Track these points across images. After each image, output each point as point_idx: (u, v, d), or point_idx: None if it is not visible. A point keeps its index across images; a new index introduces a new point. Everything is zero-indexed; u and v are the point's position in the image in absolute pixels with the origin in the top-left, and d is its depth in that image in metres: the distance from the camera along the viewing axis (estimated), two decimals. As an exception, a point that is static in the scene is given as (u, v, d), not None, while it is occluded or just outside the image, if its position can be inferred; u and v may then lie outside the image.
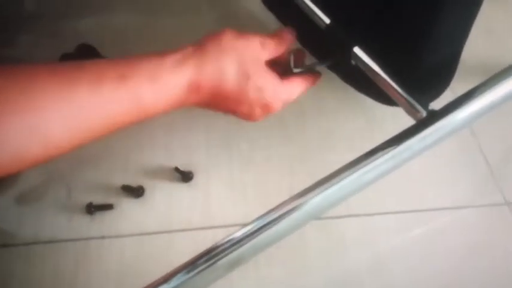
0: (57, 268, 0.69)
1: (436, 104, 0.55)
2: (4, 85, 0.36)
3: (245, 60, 0.49)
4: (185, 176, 0.78)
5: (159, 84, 0.44)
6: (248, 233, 0.47)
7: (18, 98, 0.36)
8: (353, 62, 0.58)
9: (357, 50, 0.57)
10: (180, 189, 0.78)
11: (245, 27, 0.98)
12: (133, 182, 0.77)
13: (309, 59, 0.59)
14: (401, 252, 0.73)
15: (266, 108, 0.52)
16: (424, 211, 0.77)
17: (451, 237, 0.75)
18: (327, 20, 0.60)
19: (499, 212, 0.78)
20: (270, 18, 0.87)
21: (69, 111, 0.38)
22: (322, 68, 0.59)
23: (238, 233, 0.47)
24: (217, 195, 0.78)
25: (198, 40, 0.49)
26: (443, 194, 0.79)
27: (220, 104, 0.50)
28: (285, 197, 0.49)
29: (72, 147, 0.40)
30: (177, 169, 0.78)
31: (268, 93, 0.51)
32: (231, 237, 0.47)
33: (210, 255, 0.46)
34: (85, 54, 0.91)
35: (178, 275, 0.46)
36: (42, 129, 0.37)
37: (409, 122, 0.55)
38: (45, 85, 0.38)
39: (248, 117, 0.52)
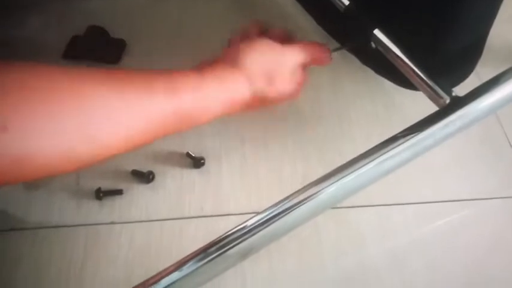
0: (65, 253, 0.69)
1: (461, 90, 0.53)
2: (54, 86, 0.36)
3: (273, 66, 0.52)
4: (196, 162, 0.76)
5: (203, 98, 0.46)
6: (261, 221, 0.46)
7: (69, 99, 0.36)
8: (373, 45, 0.56)
9: (377, 32, 0.55)
10: (192, 175, 0.76)
11: (261, 9, 0.97)
12: (143, 167, 0.76)
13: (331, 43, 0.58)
14: (421, 245, 0.71)
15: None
16: (446, 202, 0.75)
17: (474, 230, 0.73)
18: (346, 1, 0.59)
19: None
20: (287, 1, 0.85)
21: (118, 115, 0.39)
22: (340, 51, 0.58)
23: (251, 221, 0.46)
24: (229, 182, 0.76)
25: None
26: (466, 185, 0.77)
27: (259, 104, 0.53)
28: (299, 186, 0.48)
29: (118, 151, 0.41)
30: (188, 154, 0.77)
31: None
32: (243, 225, 0.46)
33: (221, 244, 0.45)
34: (95, 36, 0.91)
35: (190, 263, 0.44)
36: (91, 129, 0.37)
37: (430, 108, 0.53)
38: (96, 88, 0.39)
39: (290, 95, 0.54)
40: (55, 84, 0.36)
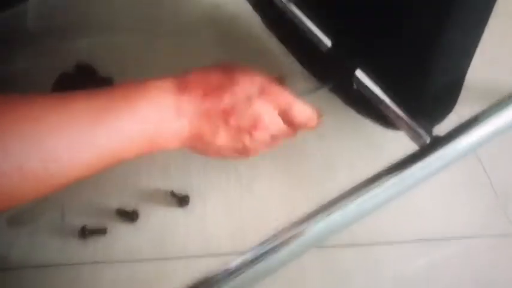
0: (48, 294, 0.68)
1: (441, 129, 0.54)
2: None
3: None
4: (181, 201, 0.76)
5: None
6: (244, 262, 0.45)
7: (20, 122, 0.36)
8: (355, 85, 0.57)
9: (358, 73, 0.56)
10: (176, 215, 0.76)
11: (244, 48, 0.99)
12: (128, 205, 0.75)
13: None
14: (404, 285, 0.71)
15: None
16: (428, 240, 0.75)
17: (457, 269, 0.72)
18: (328, 43, 0.60)
19: (509, 243, 0.75)
20: (271, 39, 0.86)
21: (72, 134, 0.38)
22: (322, 90, 0.59)
23: (234, 263, 0.45)
24: (213, 222, 0.76)
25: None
26: (448, 223, 0.77)
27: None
28: (284, 223, 0.48)
29: (78, 172, 0.40)
30: (172, 193, 0.77)
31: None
32: (226, 267, 0.45)
33: (203, 286, 0.44)
34: (83, 73, 0.92)
35: (170, 306, 0.44)
36: (43, 144, 0.37)
37: (412, 146, 0.54)
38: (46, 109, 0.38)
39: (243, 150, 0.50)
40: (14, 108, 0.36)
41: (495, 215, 0.79)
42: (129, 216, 0.74)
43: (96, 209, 0.76)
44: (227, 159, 0.51)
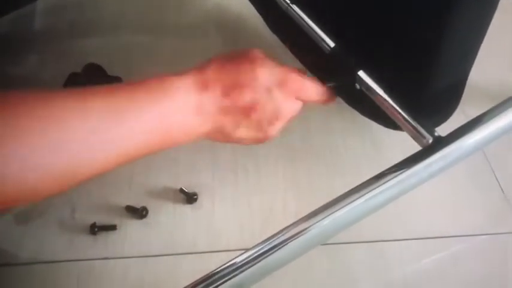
0: (58, 289, 0.69)
1: (448, 128, 0.55)
2: (21, 109, 0.36)
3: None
4: (189, 198, 0.77)
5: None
6: (251, 257, 0.46)
7: (42, 121, 0.36)
8: (357, 86, 0.58)
9: (361, 73, 0.57)
10: (185, 211, 0.77)
11: (251, 46, 0.99)
12: (137, 202, 0.77)
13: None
14: (410, 282, 0.71)
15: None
16: (434, 238, 0.76)
17: (463, 267, 0.73)
18: (331, 44, 0.60)
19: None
20: (274, 40, 0.87)
21: (94, 132, 0.39)
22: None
23: (240, 258, 0.46)
24: (222, 218, 0.77)
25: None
26: (454, 221, 0.78)
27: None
28: (291, 221, 0.48)
29: (99, 169, 0.40)
30: (181, 190, 0.78)
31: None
32: (232, 262, 0.46)
33: (210, 281, 0.45)
34: (92, 73, 0.92)
35: (179, 300, 0.44)
36: (65, 145, 0.37)
37: (417, 145, 0.55)
38: (63, 105, 0.38)
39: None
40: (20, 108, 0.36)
41: (502, 212, 0.79)
42: (138, 213, 0.75)
43: (106, 205, 0.77)
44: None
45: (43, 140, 0.36)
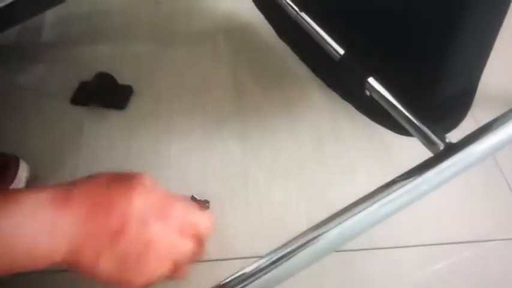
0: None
1: (457, 134, 0.55)
2: None
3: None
4: (201, 206, 0.77)
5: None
6: (263, 266, 0.46)
7: None
8: (367, 93, 0.58)
9: (371, 80, 0.57)
10: (196, 219, 0.77)
11: (257, 57, 1.00)
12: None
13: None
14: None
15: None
16: (447, 244, 0.75)
17: (476, 272, 0.72)
18: (341, 51, 0.61)
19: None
20: (286, 49, 0.87)
21: None
22: (338, 97, 0.59)
23: (252, 266, 0.46)
24: (233, 227, 0.77)
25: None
26: (467, 227, 0.77)
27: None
28: (303, 229, 0.48)
29: None
30: (193, 198, 0.78)
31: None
32: (243, 271, 0.46)
33: None
34: (103, 82, 0.93)
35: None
36: None
37: (428, 151, 0.54)
38: None
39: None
40: None
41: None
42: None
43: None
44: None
45: None
